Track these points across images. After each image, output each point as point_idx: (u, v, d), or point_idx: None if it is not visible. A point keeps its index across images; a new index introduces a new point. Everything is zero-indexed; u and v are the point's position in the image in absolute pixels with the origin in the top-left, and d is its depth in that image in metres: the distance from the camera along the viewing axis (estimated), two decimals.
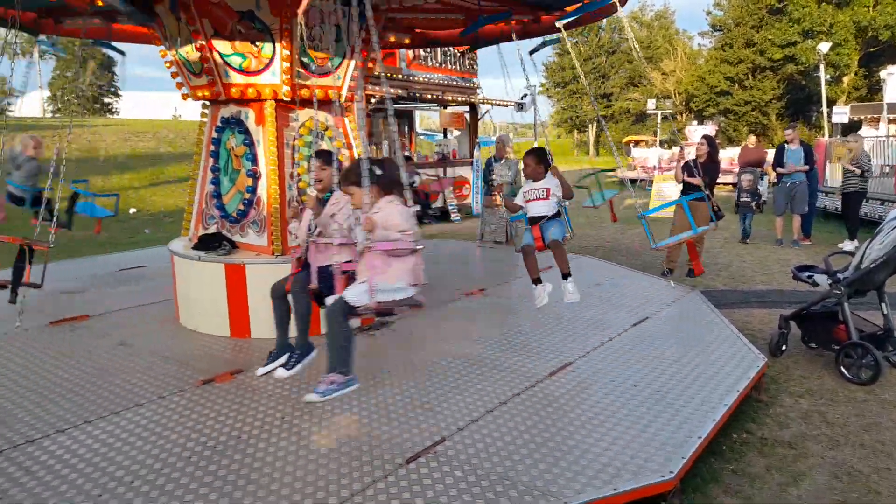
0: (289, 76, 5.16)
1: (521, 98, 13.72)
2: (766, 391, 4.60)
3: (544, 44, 5.81)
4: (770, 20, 38.60)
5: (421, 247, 3.29)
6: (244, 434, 3.45)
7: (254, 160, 5.30)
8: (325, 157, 4.23)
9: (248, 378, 4.26)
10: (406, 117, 15.96)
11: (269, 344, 4.90)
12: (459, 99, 15.54)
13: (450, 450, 3.26)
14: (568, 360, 4.51)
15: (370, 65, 6.11)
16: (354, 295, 3.31)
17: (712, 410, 3.75)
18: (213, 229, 5.51)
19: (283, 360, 4.21)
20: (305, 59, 5.26)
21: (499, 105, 16.00)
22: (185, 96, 5.72)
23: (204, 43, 5.09)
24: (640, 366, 4.44)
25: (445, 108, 16.35)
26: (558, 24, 5.39)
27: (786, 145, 10.38)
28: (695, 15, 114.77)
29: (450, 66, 15.06)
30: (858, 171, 9.97)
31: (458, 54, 15.05)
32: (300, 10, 3.50)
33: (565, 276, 4.55)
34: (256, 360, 4.58)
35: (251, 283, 5.03)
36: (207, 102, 5.68)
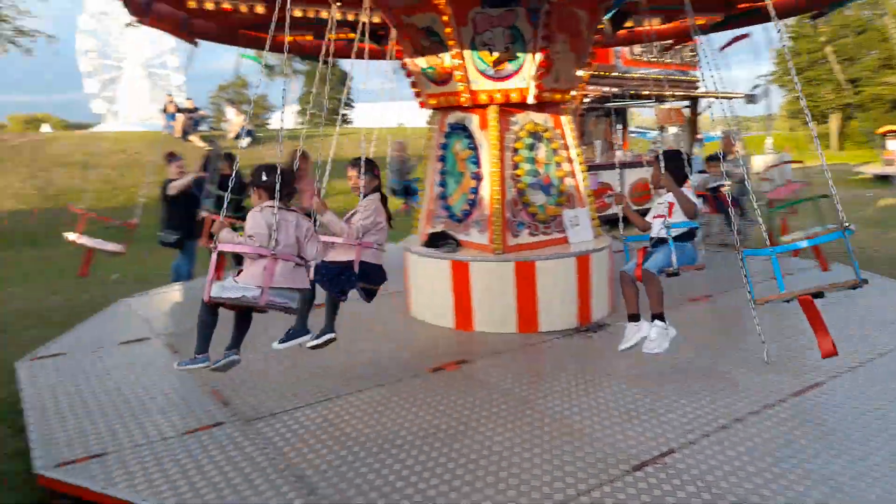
0: (537, 81, 5.35)
1: (753, 89, 12.56)
2: None
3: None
4: None
5: (268, 253, 3.35)
6: (472, 422, 3.67)
7: (477, 163, 5.59)
8: (363, 164, 4.20)
9: (472, 368, 4.51)
10: (619, 115, 15.51)
11: (491, 337, 5.17)
12: (678, 93, 14.70)
13: (679, 462, 3.14)
14: (816, 381, 4.06)
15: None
16: (216, 289, 3.40)
17: None
18: (439, 228, 5.92)
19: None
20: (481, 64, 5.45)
21: (723, 98, 14.81)
22: (421, 104, 6.21)
23: (459, 51, 5.40)
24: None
25: (662, 103, 15.56)
26: None
27: None
28: None
29: (668, 60, 14.30)
30: None
31: (678, 46, 14.22)
32: None
33: (654, 317, 3.95)
34: (480, 352, 4.84)
35: (474, 279, 5.32)
36: (438, 110, 6.10)
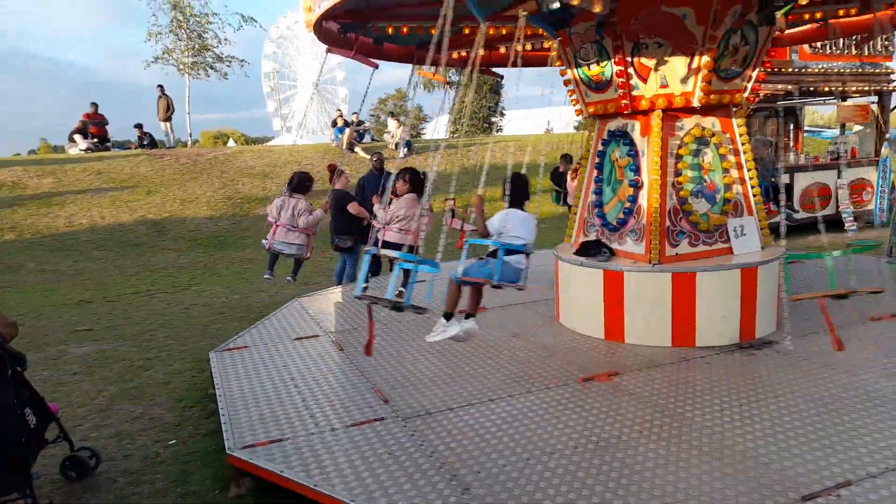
0: (706, 83, 5.21)
1: None
2: None
3: None
4: None
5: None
6: (623, 435, 3.62)
7: (637, 170, 5.47)
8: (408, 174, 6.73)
9: (624, 381, 4.43)
10: (791, 114, 14.21)
11: (643, 350, 5.04)
12: (865, 88, 13.16)
13: (858, 497, 2.87)
14: None
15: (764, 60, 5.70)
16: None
17: None
18: (592, 236, 5.87)
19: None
20: (720, 67, 5.29)
21: None
22: (578, 112, 6.21)
23: (622, 58, 5.35)
24: None
25: (845, 100, 14.01)
26: None
27: None
28: None
29: (854, 52, 12.86)
30: None
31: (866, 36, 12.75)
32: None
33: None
34: (631, 365, 4.74)
35: (628, 290, 5.21)
36: (596, 117, 6.05)
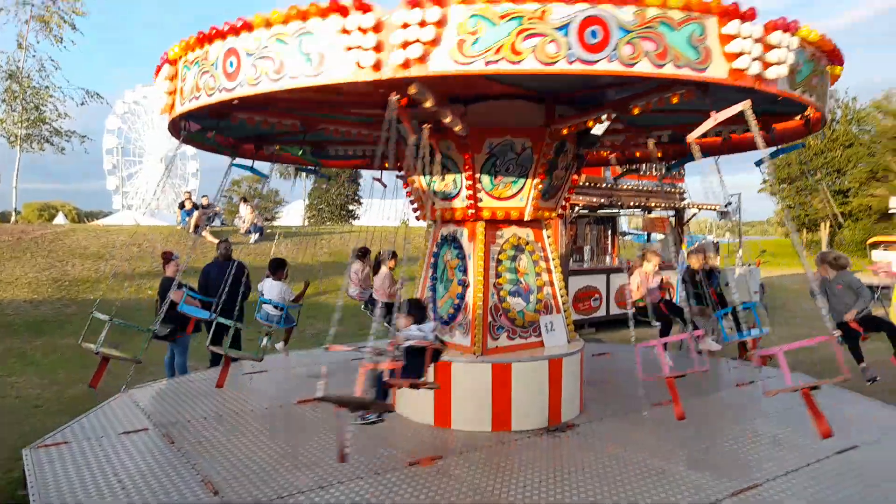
0: (536, 200, 6.08)
1: (725, 206, 13.39)
2: None
3: (778, 151, 6.16)
4: None
5: None
6: None
7: (464, 271, 6.18)
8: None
9: (448, 464, 4.86)
10: (609, 221, 16.34)
11: (469, 436, 5.53)
12: (663, 204, 15.56)
13: None
14: (755, 481, 4.40)
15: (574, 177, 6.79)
16: None
17: None
18: None
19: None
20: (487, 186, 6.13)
21: (706, 209, 15.69)
22: (419, 217, 6.87)
23: (415, 178, 6.14)
24: (840, 497, 4.16)
25: (650, 212, 16.42)
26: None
27: None
28: None
29: (655, 172, 15.27)
30: None
31: (664, 163, 15.24)
32: None
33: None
34: (454, 448, 5.20)
35: (455, 379, 5.75)
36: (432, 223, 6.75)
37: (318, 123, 6.36)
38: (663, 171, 14.82)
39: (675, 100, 4.63)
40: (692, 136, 4.36)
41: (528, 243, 6.39)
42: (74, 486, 4.49)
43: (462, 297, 6.19)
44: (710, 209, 15.58)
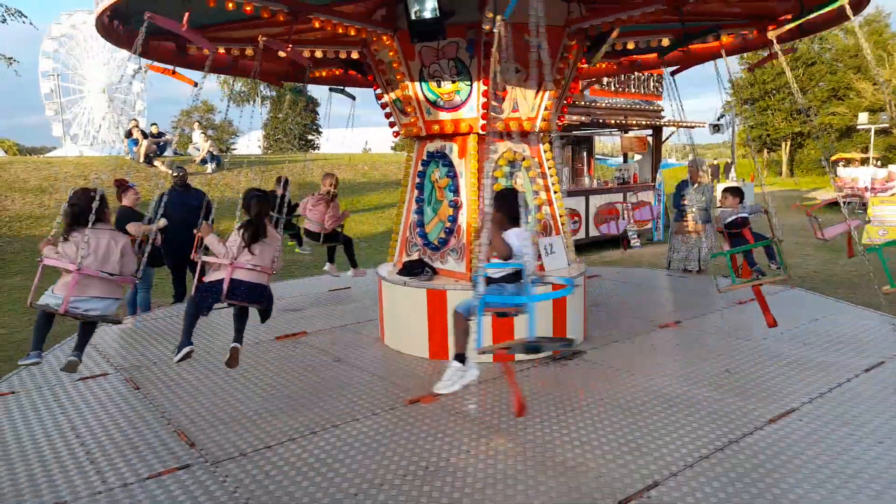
0: (547, 111, 5.45)
1: (718, 119, 12.93)
2: None
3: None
4: None
5: (73, 269, 3.69)
6: (452, 457, 3.55)
7: (456, 191, 5.55)
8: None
9: (450, 400, 4.40)
10: (585, 142, 15.77)
11: None
12: (642, 122, 15.03)
13: (664, 496, 3.08)
14: (791, 406, 4.07)
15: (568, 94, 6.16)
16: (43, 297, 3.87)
17: None
18: (415, 256, 5.83)
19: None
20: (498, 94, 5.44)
21: (685, 127, 15.22)
22: (395, 133, 6.17)
23: (407, 83, 5.47)
24: (885, 418, 3.86)
25: (627, 132, 15.89)
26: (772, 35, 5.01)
27: None
28: None
29: (633, 90, 14.64)
30: None
31: (643, 77, 14.60)
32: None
33: (454, 356, 3.73)
34: None
35: (451, 308, 5.22)
36: (415, 138, 6.07)
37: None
38: (657, 77, 14.21)
39: None
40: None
41: (524, 159, 5.77)
42: (23, 440, 3.88)
43: (454, 219, 5.59)
44: (689, 126, 15.11)
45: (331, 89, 7.51)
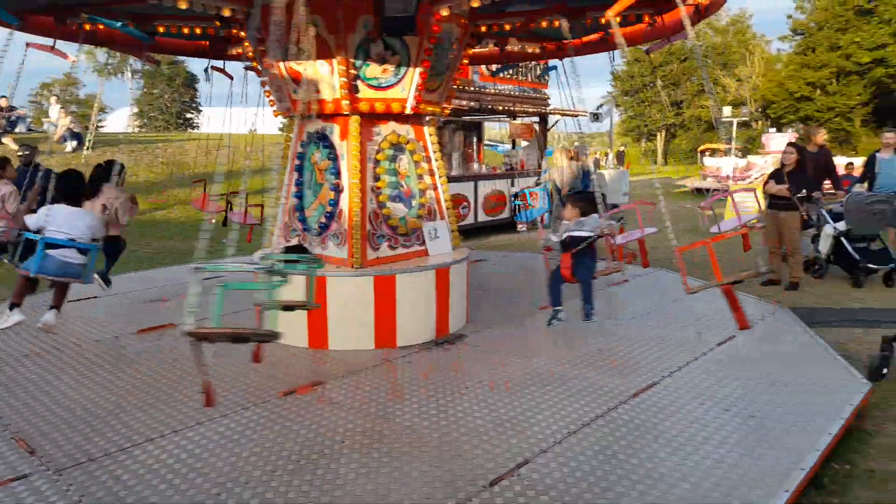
0: (417, 92, 5.33)
1: (598, 108, 13.53)
2: (869, 418, 4.26)
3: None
4: (857, 22, 36.66)
5: None
6: (326, 449, 3.45)
7: (337, 174, 5.38)
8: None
9: (328, 390, 4.29)
10: (475, 129, 15.97)
11: (348, 356, 4.97)
12: (530, 110, 15.42)
13: (534, 472, 3.16)
14: (653, 380, 4.32)
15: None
16: None
17: (814, 439, 3.49)
18: (294, 241, 5.62)
19: None
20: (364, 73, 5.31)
21: (570, 115, 15.80)
22: (275, 113, 5.88)
23: (344, 57, 5.15)
24: (731, 388, 4.20)
25: (515, 119, 16.24)
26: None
27: (877, 153, 9.39)
28: (775, 19, 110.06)
29: (521, 78, 14.96)
30: None
31: (531, 65, 14.94)
32: None
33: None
34: (335, 372, 4.63)
35: (331, 295, 5.09)
36: (293, 118, 5.81)
37: None
38: (539, 71, 14.59)
39: None
40: (612, 12, 3.86)
41: (408, 142, 5.70)
42: None
43: (335, 203, 5.43)
44: (572, 115, 15.70)
45: (207, 68, 7.12)
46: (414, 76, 5.38)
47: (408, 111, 5.45)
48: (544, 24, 5.99)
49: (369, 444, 3.49)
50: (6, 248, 5.19)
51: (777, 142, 22.37)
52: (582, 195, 6.05)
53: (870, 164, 9.08)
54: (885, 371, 4.93)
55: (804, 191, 7.69)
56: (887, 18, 34.59)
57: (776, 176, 7.97)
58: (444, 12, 5.09)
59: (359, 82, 5.28)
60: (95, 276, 5.97)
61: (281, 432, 3.64)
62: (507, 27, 6.33)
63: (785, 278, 8.02)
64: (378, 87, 5.35)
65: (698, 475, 3.10)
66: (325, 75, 5.26)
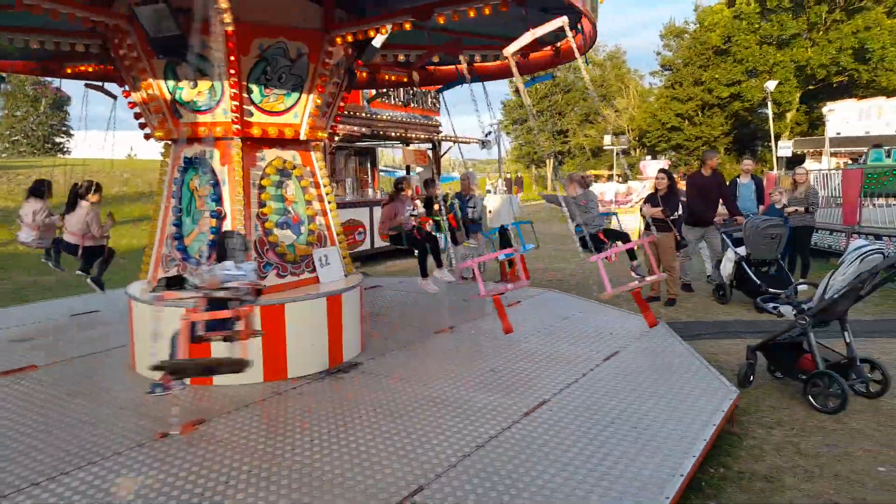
0: (238, 115, 5.08)
1: (486, 135, 13.98)
2: (738, 423, 4.60)
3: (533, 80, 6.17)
4: (716, 60, 40.64)
5: None
6: (207, 491, 3.24)
7: (218, 200, 5.16)
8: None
9: (212, 428, 4.04)
10: (368, 154, 15.96)
11: (232, 390, 4.72)
12: (422, 136, 15.63)
13: (428, 499, 3.12)
14: (543, 398, 4.43)
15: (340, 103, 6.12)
16: None
17: (691, 446, 3.71)
18: (173, 272, 5.30)
19: None
20: (257, 97, 5.21)
21: (462, 142, 16.20)
22: (147, 136, 5.57)
23: (153, 82, 5.01)
24: (616, 402, 4.39)
25: (408, 145, 16.41)
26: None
27: (738, 179, 10.34)
28: (646, 55, 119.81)
29: (413, 105, 15.17)
30: (802, 209, 9.23)
31: (422, 93, 15.19)
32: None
33: None
34: (220, 408, 4.38)
35: None
36: (170, 142, 5.53)
37: None
38: (435, 93, 14.83)
39: (487, 11, 4.20)
40: (509, 50, 4.03)
41: (295, 167, 5.58)
42: None
43: (217, 231, 5.18)
44: (465, 142, 16.11)
45: (86, 85, 6.68)
46: (307, 102, 5.32)
47: (302, 137, 5.37)
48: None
49: (256, 484, 3.31)
50: (49, 252, 6.88)
51: (652, 168, 24.05)
52: None
53: (731, 190, 9.93)
54: (751, 378, 5.36)
55: (677, 213, 8.29)
56: (740, 58, 38.63)
57: (651, 199, 8.55)
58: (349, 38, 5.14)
59: (252, 107, 5.14)
60: (90, 280, 6.90)
61: (158, 477, 3.38)
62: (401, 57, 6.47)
63: (663, 295, 8.57)
64: (271, 112, 5.24)
65: (585, 489, 3.19)
66: (212, 97, 5.08)
